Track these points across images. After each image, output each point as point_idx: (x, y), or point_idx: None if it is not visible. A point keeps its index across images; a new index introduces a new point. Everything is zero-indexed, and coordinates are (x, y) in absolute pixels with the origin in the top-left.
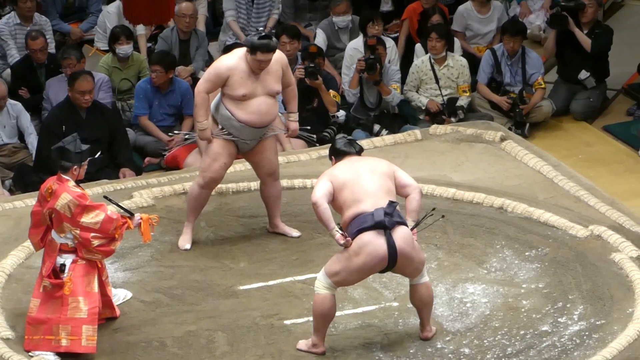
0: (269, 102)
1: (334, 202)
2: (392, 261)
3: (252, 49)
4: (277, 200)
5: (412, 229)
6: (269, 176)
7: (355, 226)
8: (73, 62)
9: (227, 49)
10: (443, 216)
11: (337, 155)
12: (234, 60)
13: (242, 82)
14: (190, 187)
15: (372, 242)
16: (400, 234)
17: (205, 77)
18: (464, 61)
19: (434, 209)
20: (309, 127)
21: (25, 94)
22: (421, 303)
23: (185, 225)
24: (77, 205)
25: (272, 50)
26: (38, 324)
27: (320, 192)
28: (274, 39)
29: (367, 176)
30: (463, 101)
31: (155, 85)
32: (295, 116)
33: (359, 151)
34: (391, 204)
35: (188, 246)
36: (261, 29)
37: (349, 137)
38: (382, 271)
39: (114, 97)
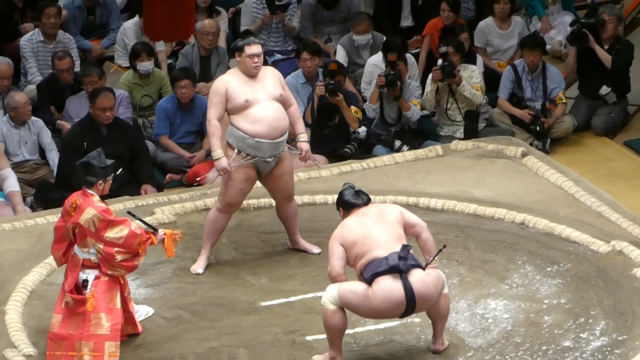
0: (274, 106)
1: (347, 260)
2: (411, 305)
3: (239, 49)
4: (294, 219)
5: (429, 264)
6: (285, 199)
7: (370, 271)
8: (94, 79)
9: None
10: (444, 246)
11: (344, 207)
12: (226, 75)
13: (240, 89)
14: (209, 212)
15: (388, 287)
16: (417, 277)
17: (209, 104)
18: (471, 66)
19: (444, 246)
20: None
21: (56, 113)
22: (438, 314)
23: (202, 251)
24: (102, 220)
25: (257, 42)
26: (60, 339)
27: (339, 264)
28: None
29: (375, 228)
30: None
31: (186, 100)
32: (304, 136)
33: (367, 202)
34: (405, 247)
35: (200, 270)
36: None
37: (356, 188)
38: (402, 315)
39: (135, 114)
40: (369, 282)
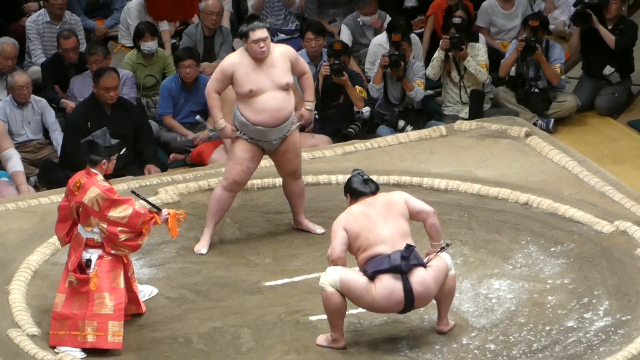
0: (278, 96)
1: (350, 248)
2: (409, 304)
3: (245, 34)
4: (299, 198)
5: (437, 253)
6: (289, 175)
7: (372, 267)
8: (100, 58)
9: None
10: (448, 244)
11: (352, 194)
12: (236, 56)
13: (247, 76)
14: (214, 190)
15: (389, 287)
16: (418, 278)
17: (213, 77)
18: (477, 45)
19: (448, 244)
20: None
21: (60, 92)
22: (443, 295)
23: (204, 230)
24: (105, 199)
25: (262, 26)
26: (63, 319)
27: (340, 248)
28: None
29: (381, 223)
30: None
31: (189, 80)
32: (310, 105)
33: (375, 191)
34: (408, 247)
35: (204, 250)
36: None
37: (365, 176)
38: (400, 312)
39: (139, 94)
40: (370, 277)
